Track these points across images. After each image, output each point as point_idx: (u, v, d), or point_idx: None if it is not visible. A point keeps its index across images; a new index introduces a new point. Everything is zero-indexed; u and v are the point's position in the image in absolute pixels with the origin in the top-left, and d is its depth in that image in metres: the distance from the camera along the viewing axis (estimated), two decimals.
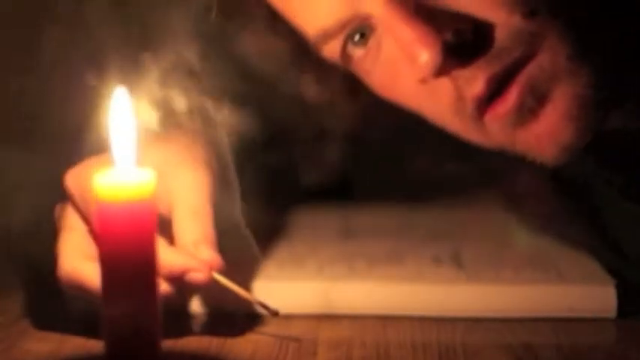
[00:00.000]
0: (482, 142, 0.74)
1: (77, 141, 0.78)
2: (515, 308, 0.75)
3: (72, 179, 0.72)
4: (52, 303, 0.74)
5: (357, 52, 0.75)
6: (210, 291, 0.72)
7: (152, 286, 0.56)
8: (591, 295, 0.74)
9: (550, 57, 0.69)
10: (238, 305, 0.74)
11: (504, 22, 0.69)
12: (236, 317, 0.74)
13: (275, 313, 0.71)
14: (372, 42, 0.74)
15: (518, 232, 0.90)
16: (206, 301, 0.76)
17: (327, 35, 0.74)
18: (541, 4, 0.69)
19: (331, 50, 0.76)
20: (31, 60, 0.94)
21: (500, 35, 0.69)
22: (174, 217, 0.71)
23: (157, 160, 0.67)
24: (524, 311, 0.74)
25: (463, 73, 0.70)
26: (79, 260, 0.70)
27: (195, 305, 0.76)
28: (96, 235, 0.71)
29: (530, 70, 0.69)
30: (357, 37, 0.74)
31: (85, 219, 0.72)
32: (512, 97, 0.69)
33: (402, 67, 0.72)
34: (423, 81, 0.71)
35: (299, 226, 0.96)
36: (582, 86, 0.70)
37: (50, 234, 0.74)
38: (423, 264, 0.81)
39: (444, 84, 0.71)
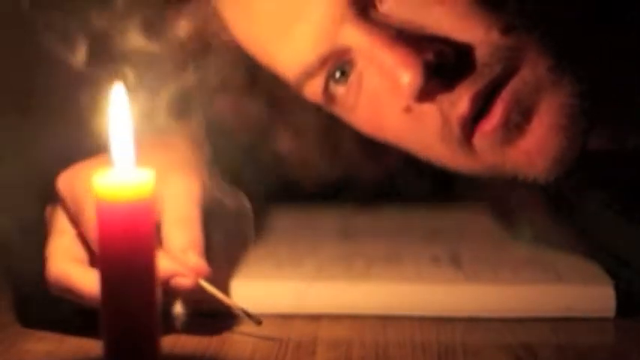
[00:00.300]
0: (472, 168, 0.74)
1: (75, 140, 0.79)
2: (513, 308, 0.74)
3: (63, 182, 0.72)
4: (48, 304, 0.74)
5: (339, 90, 0.75)
6: (194, 294, 0.72)
7: (151, 285, 0.56)
8: (590, 295, 0.74)
9: (531, 70, 0.70)
10: (221, 310, 0.74)
11: (483, 40, 0.69)
12: (234, 317, 0.74)
13: (258, 322, 0.71)
14: (353, 77, 0.74)
15: (517, 232, 0.90)
16: (188, 304, 0.76)
17: (309, 73, 0.74)
18: (517, 20, 0.70)
19: (313, 91, 0.76)
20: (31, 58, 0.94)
21: (481, 53, 0.69)
22: (163, 223, 0.71)
23: (146, 165, 0.67)
24: (522, 311, 0.74)
25: (447, 96, 0.70)
26: (67, 263, 0.70)
27: (178, 307, 0.76)
28: (85, 238, 0.71)
29: (514, 85, 0.70)
30: (337, 75, 0.74)
31: (75, 222, 0.72)
32: (497, 113, 0.70)
33: (386, 97, 0.73)
34: (408, 110, 0.72)
35: (298, 226, 0.96)
36: (566, 96, 0.70)
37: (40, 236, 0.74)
38: (422, 264, 0.81)
39: (429, 111, 0.71)
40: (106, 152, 0.57)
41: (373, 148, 0.84)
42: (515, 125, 0.70)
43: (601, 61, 0.73)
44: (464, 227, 0.93)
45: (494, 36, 0.70)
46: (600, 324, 0.73)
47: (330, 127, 0.85)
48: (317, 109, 0.80)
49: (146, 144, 0.74)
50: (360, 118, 0.77)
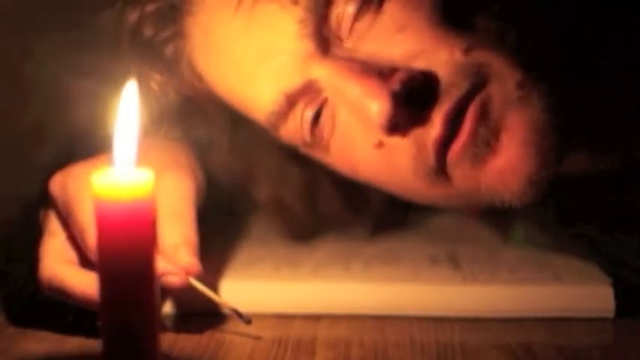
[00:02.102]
0: (447, 198, 0.75)
1: (80, 139, 0.79)
2: (512, 308, 0.75)
3: (56, 185, 0.73)
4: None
5: (313, 131, 0.75)
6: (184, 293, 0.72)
7: (150, 285, 0.56)
8: (589, 295, 0.74)
9: (499, 85, 0.70)
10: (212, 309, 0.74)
11: (447, 61, 0.70)
12: (232, 317, 0.74)
13: (248, 321, 0.71)
14: (325, 117, 0.75)
15: (510, 235, 0.90)
16: (178, 304, 0.76)
17: (278, 113, 0.75)
18: (482, 37, 0.70)
19: (288, 133, 0.76)
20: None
21: (446, 74, 0.70)
22: (158, 221, 0.71)
23: (141, 164, 0.67)
24: (521, 311, 0.75)
25: (419, 124, 0.70)
26: (59, 265, 0.70)
27: (167, 306, 0.76)
28: (76, 240, 0.71)
29: (480, 99, 0.70)
30: (312, 116, 0.75)
31: (67, 224, 0.72)
32: (466, 128, 0.70)
33: (358, 134, 0.74)
34: (380, 145, 0.73)
35: None
36: (536, 111, 0.70)
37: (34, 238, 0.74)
38: (420, 264, 0.81)
39: (401, 145, 0.72)
40: (105, 153, 0.57)
41: (352, 196, 0.86)
42: (485, 141, 0.70)
43: (573, 77, 0.73)
44: (462, 228, 0.93)
45: (458, 55, 0.70)
46: (599, 324, 0.74)
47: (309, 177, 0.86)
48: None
49: (141, 144, 0.74)
50: (334, 158, 0.77)
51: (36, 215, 0.76)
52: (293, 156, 0.82)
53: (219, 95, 0.80)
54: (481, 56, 0.70)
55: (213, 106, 0.82)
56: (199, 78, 0.81)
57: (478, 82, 0.70)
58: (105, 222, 0.55)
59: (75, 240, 0.71)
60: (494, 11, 0.72)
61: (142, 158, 0.58)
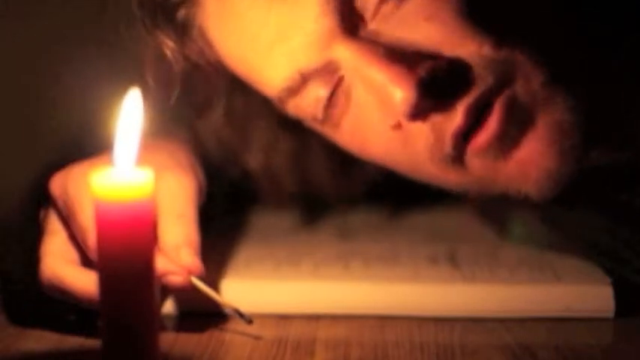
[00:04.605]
0: (460, 183, 0.74)
1: (80, 139, 0.79)
2: (512, 308, 0.75)
3: (56, 184, 0.73)
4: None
5: (325, 108, 0.75)
6: (185, 293, 0.72)
7: (150, 285, 0.56)
8: (589, 295, 0.74)
9: (525, 84, 0.70)
10: (213, 309, 0.74)
11: (475, 53, 0.70)
12: (231, 317, 0.74)
13: (249, 321, 0.71)
14: (339, 95, 0.74)
15: (509, 233, 0.90)
16: (178, 303, 0.76)
17: (292, 89, 0.74)
18: (508, 34, 0.70)
19: (297, 107, 0.76)
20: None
21: (473, 66, 0.69)
22: (159, 220, 0.71)
23: (142, 164, 0.67)
24: (521, 311, 0.74)
25: (441, 112, 0.70)
26: (60, 264, 0.71)
27: (167, 306, 0.76)
28: (77, 240, 0.71)
29: (507, 96, 0.70)
30: (325, 93, 0.74)
31: (67, 224, 0.72)
32: (493, 123, 0.70)
33: (374, 115, 0.73)
34: (397, 127, 0.72)
35: (295, 226, 0.96)
36: (561, 112, 0.70)
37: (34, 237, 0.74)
38: (420, 264, 0.81)
39: (419, 129, 0.71)
40: (106, 152, 0.57)
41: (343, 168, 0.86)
42: (510, 138, 0.70)
43: (595, 79, 0.73)
44: (461, 227, 0.93)
45: (486, 50, 0.70)
46: (599, 324, 0.73)
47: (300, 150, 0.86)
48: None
49: (143, 144, 0.74)
50: (344, 135, 0.77)
51: (35, 213, 0.76)
52: (287, 124, 0.82)
53: (227, 64, 0.79)
54: (509, 53, 0.70)
55: (215, 72, 0.81)
56: (209, 45, 0.79)
57: (504, 79, 0.70)
58: (105, 222, 0.55)
59: (76, 240, 0.71)
60: (520, 10, 0.72)
61: (143, 158, 0.58)
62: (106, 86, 0.67)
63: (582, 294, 0.74)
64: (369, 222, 0.96)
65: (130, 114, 0.57)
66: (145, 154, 0.66)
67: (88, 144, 0.76)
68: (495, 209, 0.94)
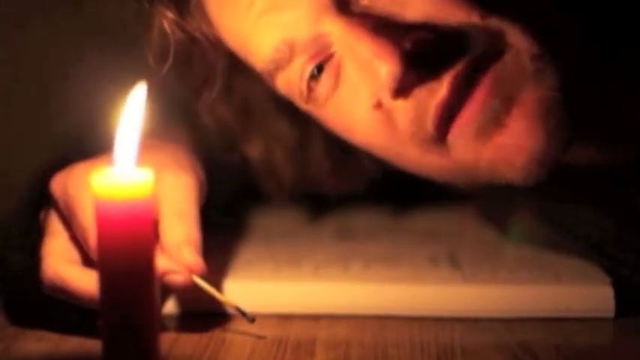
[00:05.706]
0: (442, 169, 0.74)
1: (81, 139, 0.79)
2: (512, 309, 0.75)
3: (56, 184, 0.73)
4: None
5: (313, 85, 0.75)
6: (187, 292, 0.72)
7: (151, 284, 0.56)
8: (589, 295, 0.74)
9: (513, 57, 0.69)
10: (215, 308, 0.74)
11: (464, 23, 0.69)
12: (233, 317, 0.74)
13: (252, 320, 0.71)
14: (328, 71, 0.74)
15: (509, 233, 0.90)
16: (179, 303, 0.76)
17: (281, 61, 0.74)
18: (493, 8, 0.70)
19: (285, 83, 0.76)
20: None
21: (461, 36, 0.69)
22: (160, 219, 0.71)
23: (143, 164, 0.67)
24: (521, 311, 0.74)
25: (426, 85, 0.70)
26: (62, 264, 0.70)
27: (168, 306, 0.76)
28: (78, 240, 0.71)
29: (496, 69, 0.69)
30: (314, 71, 0.74)
31: (68, 224, 0.72)
32: (477, 96, 0.69)
33: (359, 92, 0.72)
34: (378, 105, 0.72)
35: (295, 226, 0.96)
36: (547, 88, 0.70)
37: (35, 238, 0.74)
38: (420, 264, 0.81)
39: (401, 106, 0.71)
40: (106, 152, 0.57)
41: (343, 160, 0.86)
42: (494, 113, 0.69)
43: (584, 58, 0.73)
44: (462, 227, 0.93)
45: (475, 19, 0.69)
46: (599, 324, 0.73)
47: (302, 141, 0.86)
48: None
49: (143, 144, 0.74)
50: (330, 117, 0.77)
51: (36, 214, 0.76)
52: (287, 113, 0.81)
53: (223, 38, 0.79)
54: (498, 24, 0.70)
55: (212, 49, 0.81)
56: (207, 21, 0.79)
57: (493, 51, 0.69)
58: (105, 222, 0.55)
59: (77, 240, 0.71)
60: None
61: (144, 158, 0.58)
62: (107, 86, 0.67)
63: (582, 294, 0.74)
64: (370, 223, 0.96)
65: (131, 114, 0.57)
66: (145, 154, 0.66)
67: (89, 144, 0.76)
68: (496, 209, 0.94)
